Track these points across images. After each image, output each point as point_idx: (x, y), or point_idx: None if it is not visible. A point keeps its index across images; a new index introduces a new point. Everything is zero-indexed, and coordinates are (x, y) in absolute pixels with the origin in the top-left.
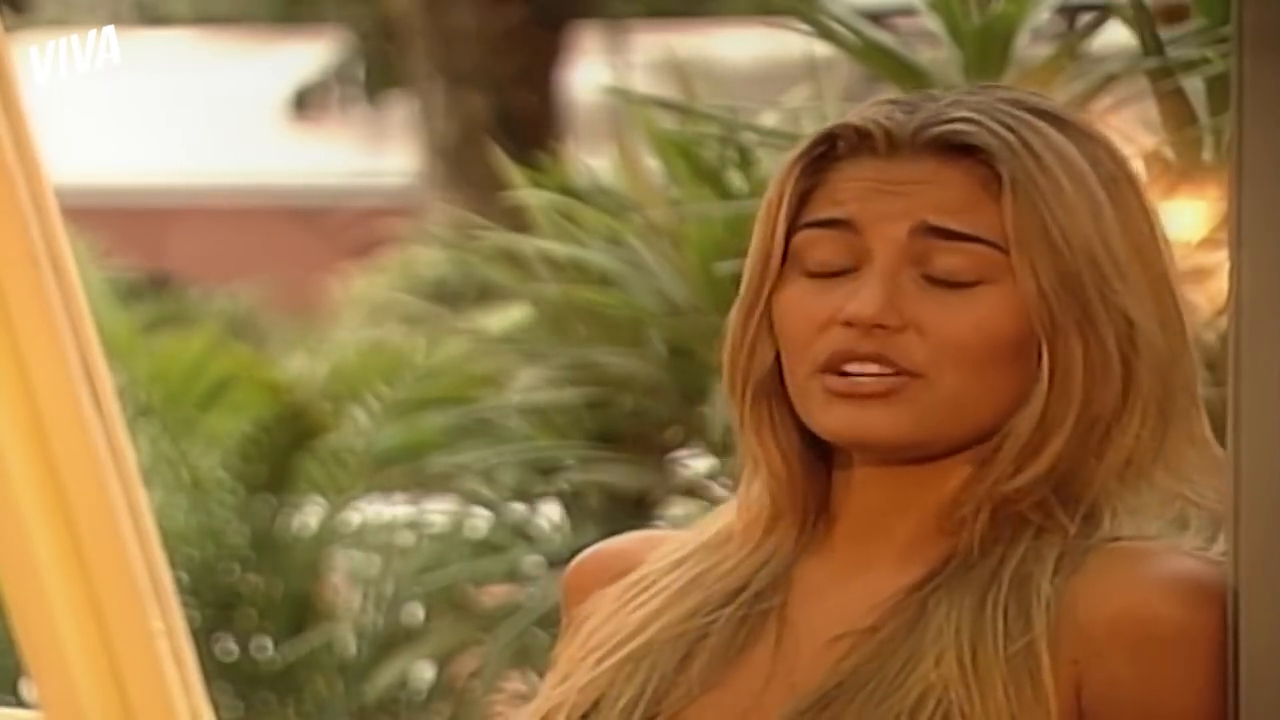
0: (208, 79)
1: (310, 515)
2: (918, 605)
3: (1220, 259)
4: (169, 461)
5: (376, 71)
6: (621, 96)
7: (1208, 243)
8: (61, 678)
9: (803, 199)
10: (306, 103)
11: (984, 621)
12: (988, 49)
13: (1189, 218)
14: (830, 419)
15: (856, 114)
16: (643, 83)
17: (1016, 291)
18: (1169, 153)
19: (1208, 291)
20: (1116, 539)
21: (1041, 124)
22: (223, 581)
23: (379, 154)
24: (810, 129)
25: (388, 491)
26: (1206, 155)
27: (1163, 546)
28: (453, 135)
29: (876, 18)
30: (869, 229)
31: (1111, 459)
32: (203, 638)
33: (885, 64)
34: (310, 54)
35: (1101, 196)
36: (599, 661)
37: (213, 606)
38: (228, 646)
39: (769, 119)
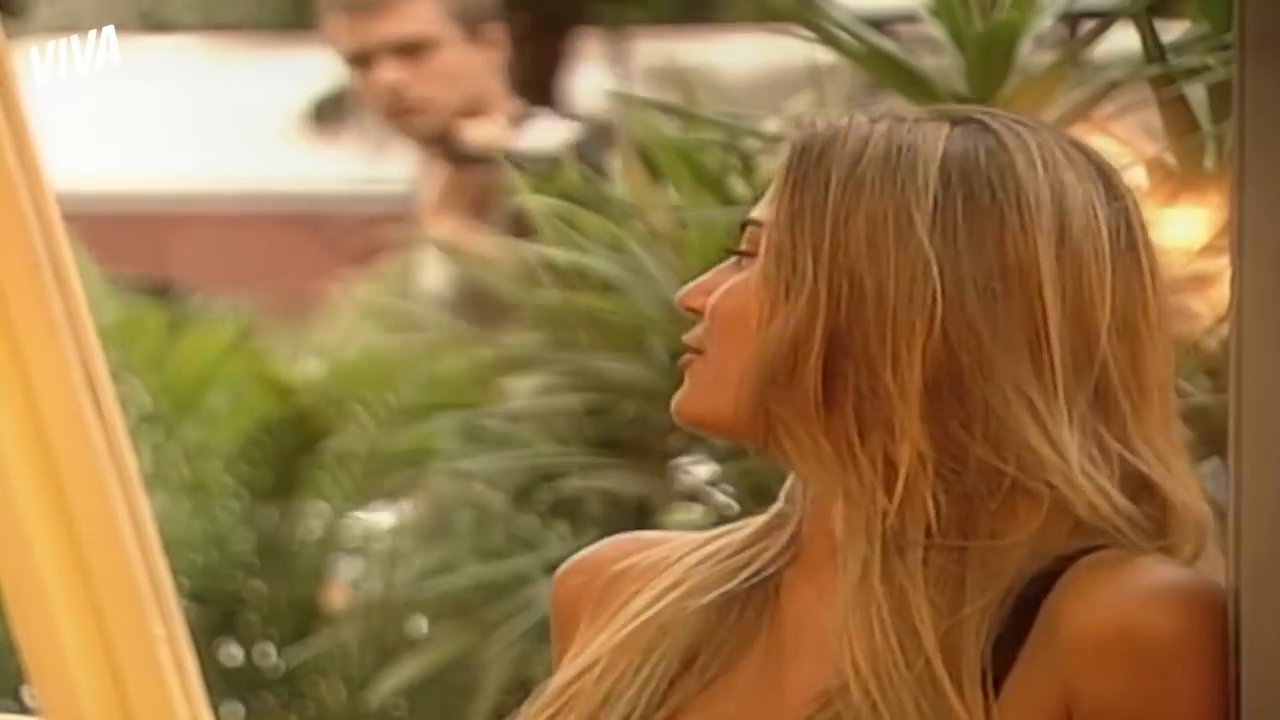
0: (211, 86)
1: (314, 521)
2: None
3: (1222, 266)
4: (172, 466)
5: None
6: (624, 101)
7: (1209, 250)
8: (63, 683)
9: None
10: (325, 114)
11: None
12: (990, 56)
13: (1190, 225)
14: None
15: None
16: (645, 89)
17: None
18: (1171, 160)
19: (1209, 299)
20: (1099, 548)
21: (912, 126)
22: (226, 587)
23: (381, 161)
24: None
25: (392, 497)
26: (1209, 162)
27: (1141, 555)
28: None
29: (879, 24)
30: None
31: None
32: (205, 643)
33: (888, 71)
34: (316, 61)
35: (916, 184)
36: (606, 656)
37: (216, 612)
38: (231, 652)
39: (771, 125)
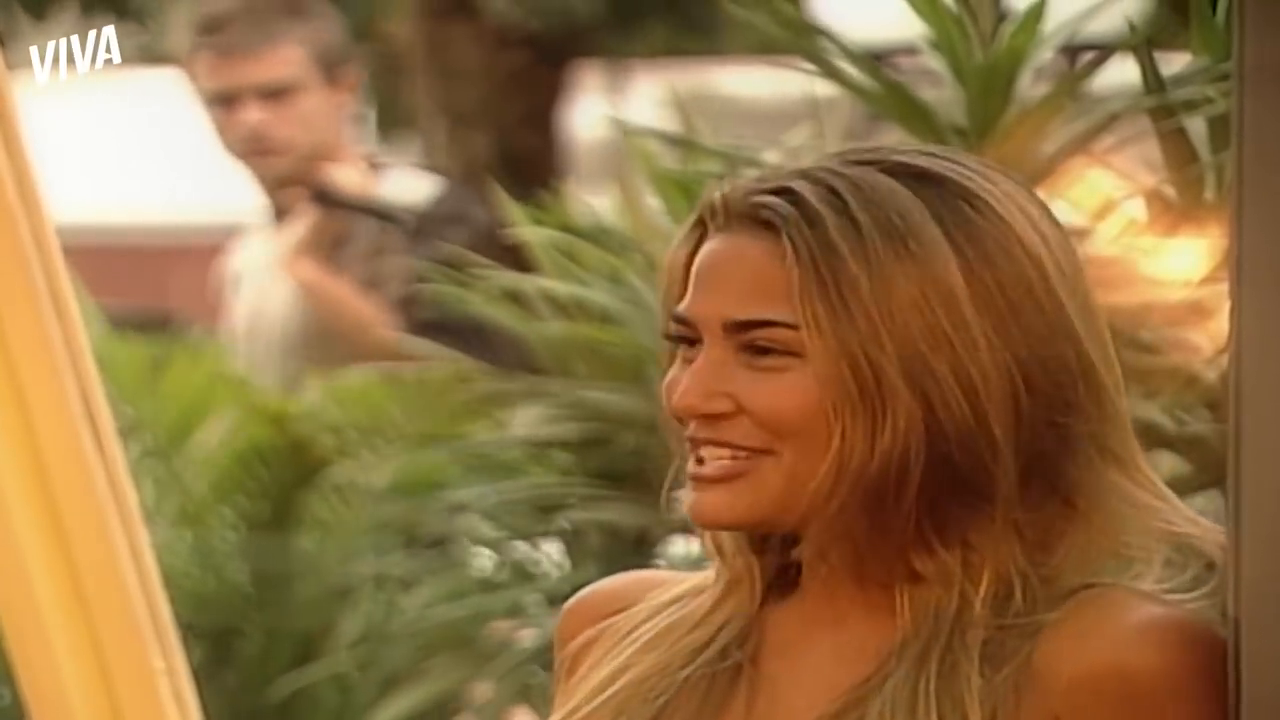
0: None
1: (312, 551)
2: (860, 706)
3: (1221, 297)
4: (170, 497)
5: (384, 109)
6: (623, 131)
7: (1209, 281)
8: (62, 717)
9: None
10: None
11: None
12: (991, 88)
13: (1190, 256)
14: (686, 504)
15: (706, 196)
16: (644, 121)
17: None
18: (1170, 191)
19: (1209, 330)
20: (1084, 588)
21: (873, 184)
22: (224, 620)
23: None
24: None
25: (388, 528)
26: (1208, 194)
27: (1127, 593)
28: (454, 173)
29: (879, 56)
30: (699, 323)
31: (987, 533)
32: (204, 675)
33: (888, 103)
34: None
35: (931, 251)
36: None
37: (214, 644)
38: (228, 683)
39: (771, 157)
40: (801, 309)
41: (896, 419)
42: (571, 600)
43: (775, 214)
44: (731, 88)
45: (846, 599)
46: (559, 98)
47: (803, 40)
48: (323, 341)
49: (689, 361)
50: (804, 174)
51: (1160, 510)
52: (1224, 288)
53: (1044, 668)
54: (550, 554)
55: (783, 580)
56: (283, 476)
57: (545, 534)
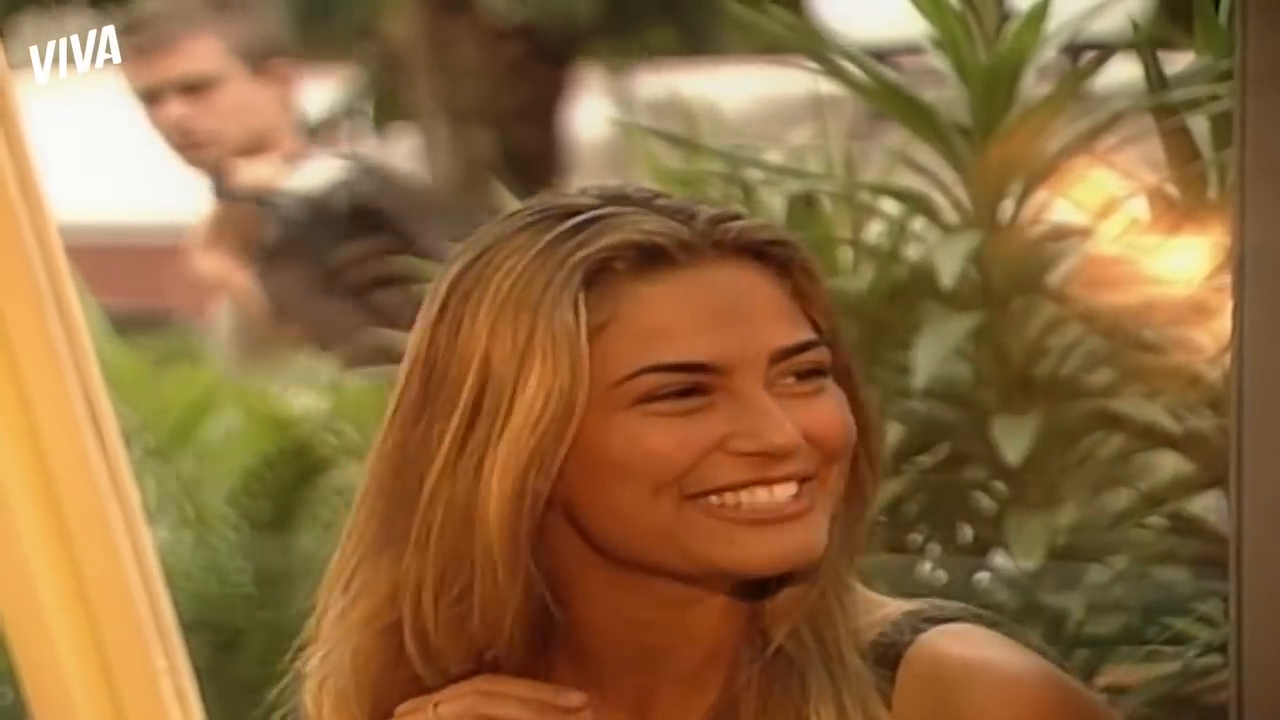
0: None
1: (313, 553)
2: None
3: (1224, 296)
4: (172, 498)
5: (384, 107)
6: (625, 130)
7: (1211, 279)
8: (65, 715)
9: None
10: (316, 138)
11: None
12: (994, 87)
13: (1193, 255)
14: (742, 550)
15: (630, 230)
16: (646, 120)
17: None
18: (1173, 190)
19: (1211, 329)
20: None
21: None
22: (226, 619)
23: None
24: (815, 167)
25: None
26: (1211, 193)
27: (984, 635)
28: (456, 171)
29: (882, 56)
30: (734, 362)
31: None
32: (206, 675)
33: (891, 102)
34: (320, 89)
35: None
36: None
37: (216, 644)
38: (230, 682)
39: (774, 156)
40: (827, 323)
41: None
42: None
43: (775, 237)
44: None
45: (654, 681)
46: (560, 96)
47: (807, 40)
48: (249, 338)
49: (688, 414)
50: (703, 202)
51: None
52: (1226, 286)
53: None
54: None
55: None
56: (284, 477)
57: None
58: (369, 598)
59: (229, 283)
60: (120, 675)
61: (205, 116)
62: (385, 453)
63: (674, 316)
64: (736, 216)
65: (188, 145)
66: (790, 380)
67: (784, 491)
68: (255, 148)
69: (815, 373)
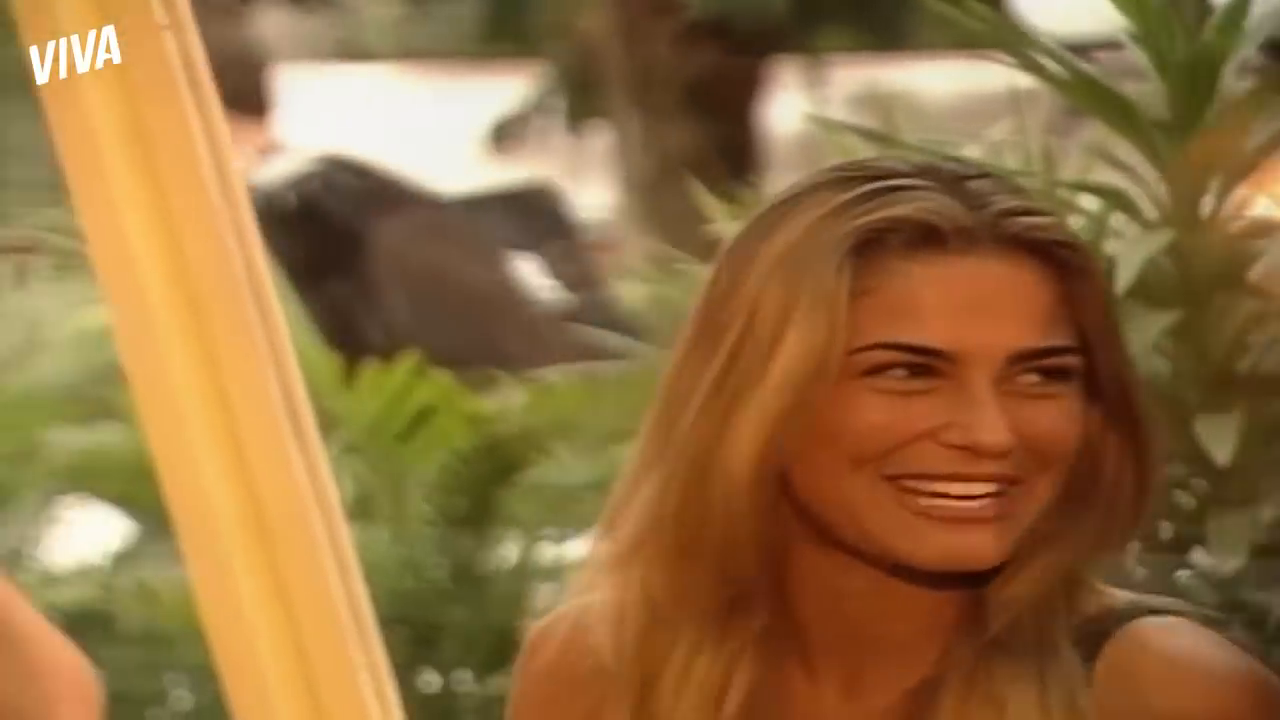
0: (408, 112)
1: (509, 549)
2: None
3: None
4: (370, 494)
5: (577, 104)
6: (821, 125)
7: None
8: (264, 714)
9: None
10: (505, 134)
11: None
12: (1194, 82)
13: None
14: (917, 543)
15: (909, 206)
16: (842, 115)
17: (1081, 391)
18: None
19: None
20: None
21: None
22: (423, 615)
23: (577, 188)
24: (1013, 163)
25: (586, 526)
26: None
27: (1191, 630)
28: (650, 169)
29: (1080, 50)
30: (969, 354)
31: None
32: (403, 671)
33: (1090, 97)
34: (510, 87)
35: None
36: None
37: (413, 640)
38: (428, 680)
39: (971, 152)
40: (1097, 332)
41: (1151, 439)
42: (543, 625)
43: (1060, 239)
44: (928, 83)
45: (868, 655)
46: (755, 92)
47: (1005, 34)
48: None
49: (910, 395)
50: (1016, 191)
51: None
52: None
53: (1123, 693)
54: None
55: (768, 645)
56: (481, 472)
57: None
58: (629, 526)
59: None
60: (319, 673)
61: None
62: (661, 384)
63: (926, 300)
64: (1031, 211)
65: None
66: (1033, 379)
67: (980, 489)
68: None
69: (1059, 376)
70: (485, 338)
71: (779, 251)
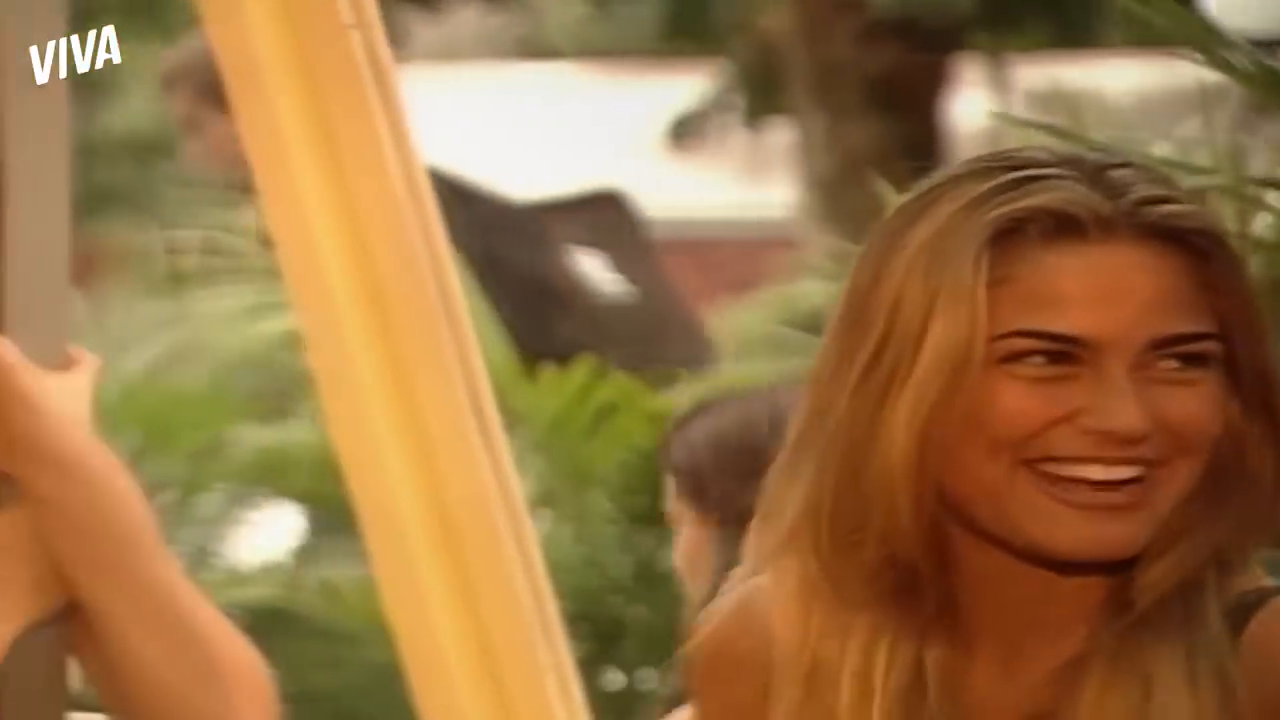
0: (588, 110)
1: None
2: (1077, 677)
3: None
4: (553, 492)
5: (757, 101)
6: (1006, 123)
7: None
8: (450, 712)
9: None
10: (685, 131)
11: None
12: None
13: None
14: (1056, 530)
15: (1047, 196)
16: (1026, 112)
17: (1222, 378)
18: None
19: None
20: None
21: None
22: (607, 613)
23: (759, 186)
24: (1202, 161)
25: None
26: None
27: None
28: (833, 167)
29: (1268, 46)
30: (1109, 341)
31: None
32: (587, 669)
33: (1278, 93)
34: (690, 84)
35: None
36: None
37: (597, 638)
38: (612, 678)
39: (1160, 150)
40: (1238, 319)
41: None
42: (705, 640)
43: (1199, 225)
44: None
45: (1027, 637)
46: (939, 89)
47: (1192, 31)
48: None
49: (1048, 381)
50: (1158, 179)
51: None
52: None
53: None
54: None
55: (935, 629)
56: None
57: None
58: (785, 516)
59: None
60: (505, 671)
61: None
62: (810, 376)
63: (1065, 288)
64: (1171, 199)
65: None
66: (1173, 364)
67: (1120, 474)
68: None
69: (1198, 363)
70: (553, 330)
71: (920, 243)
